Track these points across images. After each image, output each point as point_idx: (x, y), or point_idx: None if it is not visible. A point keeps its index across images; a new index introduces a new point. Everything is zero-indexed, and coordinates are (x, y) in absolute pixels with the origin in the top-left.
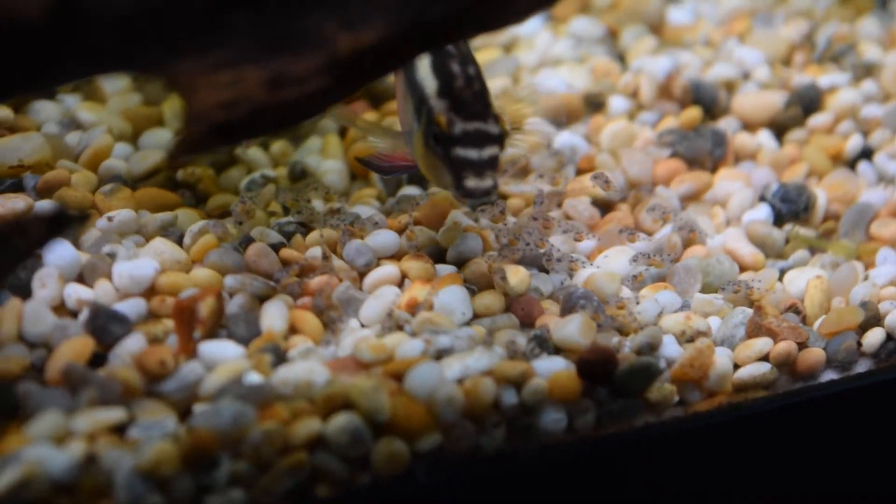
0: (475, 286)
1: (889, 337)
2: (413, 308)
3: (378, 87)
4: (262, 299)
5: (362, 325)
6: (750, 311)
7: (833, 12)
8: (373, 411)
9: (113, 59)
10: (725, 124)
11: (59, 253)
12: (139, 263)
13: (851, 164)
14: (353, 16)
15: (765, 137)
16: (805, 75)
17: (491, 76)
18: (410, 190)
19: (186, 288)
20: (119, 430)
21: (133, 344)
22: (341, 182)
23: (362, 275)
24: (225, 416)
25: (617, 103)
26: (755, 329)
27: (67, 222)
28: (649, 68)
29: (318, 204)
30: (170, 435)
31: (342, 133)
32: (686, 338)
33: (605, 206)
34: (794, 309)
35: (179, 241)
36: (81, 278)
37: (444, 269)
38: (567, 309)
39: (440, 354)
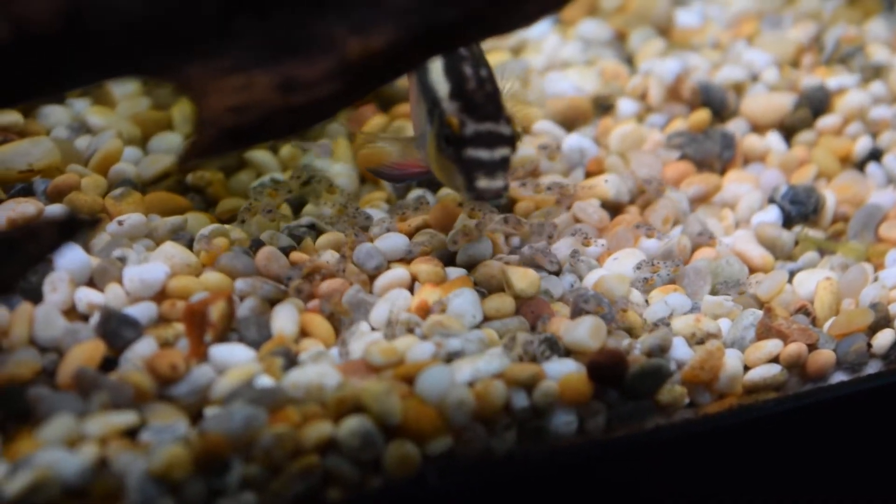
0: (485, 289)
1: None
2: (423, 311)
3: (387, 91)
4: (272, 303)
5: (373, 329)
6: (760, 312)
7: (841, 14)
8: (384, 414)
9: (123, 65)
10: (734, 126)
11: (70, 257)
12: (150, 267)
13: (860, 166)
14: (364, 20)
15: (773, 139)
16: (813, 77)
17: (499, 79)
18: (419, 193)
19: (197, 292)
20: (131, 433)
21: (144, 348)
22: (351, 185)
23: (372, 278)
24: (236, 420)
25: (625, 106)
26: (765, 331)
27: (79, 227)
28: (658, 71)
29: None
30: (181, 438)
31: (351, 137)
32: (696, 340)
33: (614, 209)
34: (804, 311)
35: (189, 245)
36: (92, 282)
37: (455, 272)
38: (577, 311)
39: (451, 357)
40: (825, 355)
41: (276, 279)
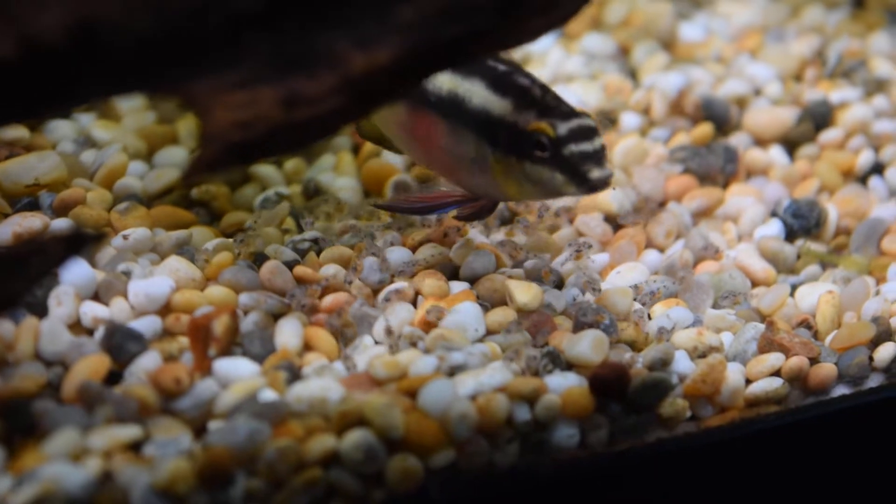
0: (488, 303)
1: None
2: (426, 325)
3: None
4: (276, 317)
5: (376, 342)
6: (762, 326)
7: (844, 28)
8: (387, 428)
9: (131, 80)
10: (737, 140)
11: (76, 271)
12: (154, 281)
13: (863, 180)
14: (368, 36)
15: (776, 153)
16: (816, 91)
17: None
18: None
19: (201, 306)
20: (135, 447)
21: (148, 362)
22: (354, 199)
23: (376, 292)
24: (240, 434)
25: (629, 119)
26: (767, 344)
27: (85, 241)
28: (661, 84)
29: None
30: (185, 452)
31: (355, 150)
32: (698, 353)
33: (617, 223)
34: (806, 324)
35: (194, 259)
36: (97, 296)
37: (458, 286)
38: (579, 325)
39: (453, 371)
40: (827, 369)
41: (281, 293)
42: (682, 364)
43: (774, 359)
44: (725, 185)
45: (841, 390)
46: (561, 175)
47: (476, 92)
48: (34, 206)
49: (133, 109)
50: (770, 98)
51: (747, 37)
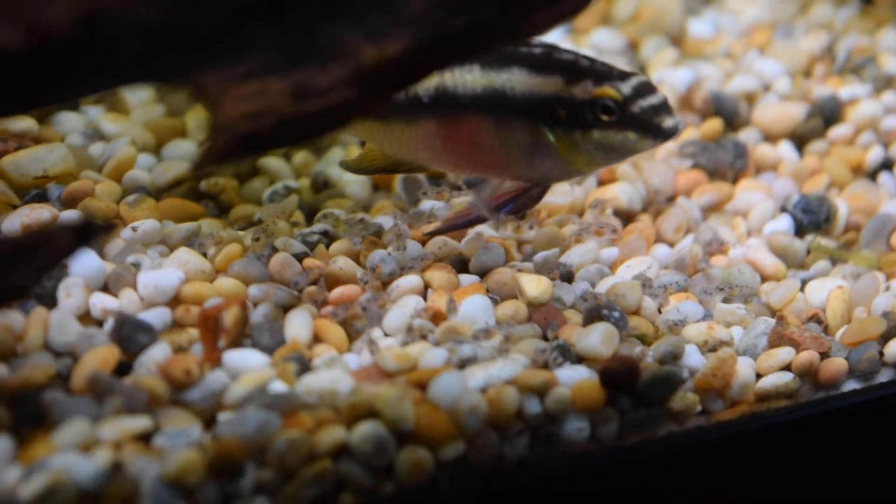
0: (498, 296)
1: None
2: (437, 318)
3: None
4: (286, 309)
5: (386, 335)
6: (772, 320)
7: (853, 24)
8: (397, 420)
9: (139, 71)
10: (746, 136)
11: (85, 263)
12: (164, 273)
13: (872, 176)
14: (377, 27)
15: (786, 149)
16: (826, 87)
17: None
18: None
19: (211, 297)
20: (145, 438)
21: (158, 353)
22: (363, 193)
23: (385, 284)
24: (250, 425)
25: None
26: (777, 339)
27: (94, 232)
28: (670, 80)
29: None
30: (195, 443)
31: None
32: (708, 347)
33: (626, 217)
34: (816, 319)
35: (202, 252)
36: (106, 288)
37: (467, 279)
38: (589, 318)
39: (463, 363)
40: (837, 363)
41: (290, 285)
42: (693, 358)
43: (785, 353)
44: (735, 181)
45: (851, 385)
46: (633, 133)
47: (517, 80)
48: (43, 197)
49: (142, 102)
50: (779, 94)
51: (756, 33)
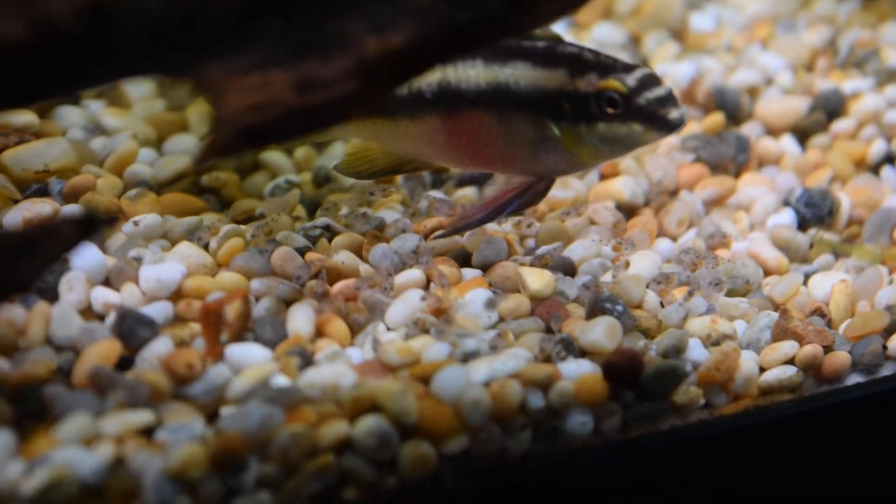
0: (500, 290)
1: None
2: (439, 312)
3: None
4: (288, 303)
5: (388, 329)
6: (775, 314)
7: (855, 18)
8: (400, 414)
9: (142, 63)
10: (749, 129)
11: (86, 257)
12: (166, 267)
13: (875, 170)
14: (381, 19)
15: (788, 143)
16: (828, 81)
17: None
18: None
19: (213, 291)
20: (147, 432)
21: (160, 347)
22: (365, 187)
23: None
24: (252, 419)
25: None
26: (781, 332)
27: (96, 225)
28: (672, 74)
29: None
30: (198, 438)
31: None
32: (712, 341)
33: (629, 211)
34: (820, 312)
35: (204, 246)
36: (108, 282)
37: (470, 273)
38: (592, 312)
39: (466, 357)
40: (841, 357)
41: (292, 279)
42: (696, 352)
43: (788, 347)
44: (737, 175)
45: (855, 378)
46: (638, 125)
47: (522, 74)
48: (44, 192)
49: (143, 97)
50: (782, 88)
51: (758, 26)
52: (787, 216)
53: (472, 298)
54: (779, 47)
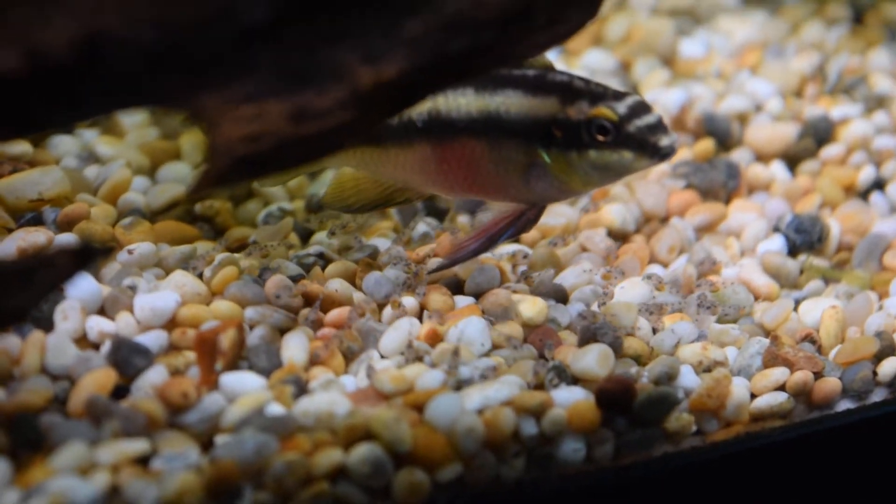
0: (493, 317)
1: None
2: (433, 340)
3: None
4: (282, 331)
5: (382, 357)
6: (766, 340)
7: (844, 44)
8: (394, 442)
9: (137, 94)
10: (739, 156)
11: (81, 286)
12: (160, 296)
13: (864, 195)
14: (375, 50)
15: (778, 169)
16: (817, 107)
17: None
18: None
19: (207, 320)
20: (142, 461)
21: (155, 376)
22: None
23: (381, 306)
24: (247, 447)
25: None
26: (771, 359)
27: (93, 256)
28: (662, 100)
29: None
30: (193, 466)
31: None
32: (703, 368)
33: (620, 238)
34: (810, 339)
35: (199, 274)
36: (103, 311)
37: (463, 301)
38: (585, 339)
39: (460, 385)
40: (831, 383)
41: (286, 308)
42: (688, 378)
43: (779, 373)
44: (728, 201)
45: (845, 405)
46: (629, 152)
47: (513, 102)
48: (38, 221)
49: (136, 125)
50: (771, 114)
51: (748, 53)
52: (777, 242)
53: (465, 326)
54: (768, 73)
